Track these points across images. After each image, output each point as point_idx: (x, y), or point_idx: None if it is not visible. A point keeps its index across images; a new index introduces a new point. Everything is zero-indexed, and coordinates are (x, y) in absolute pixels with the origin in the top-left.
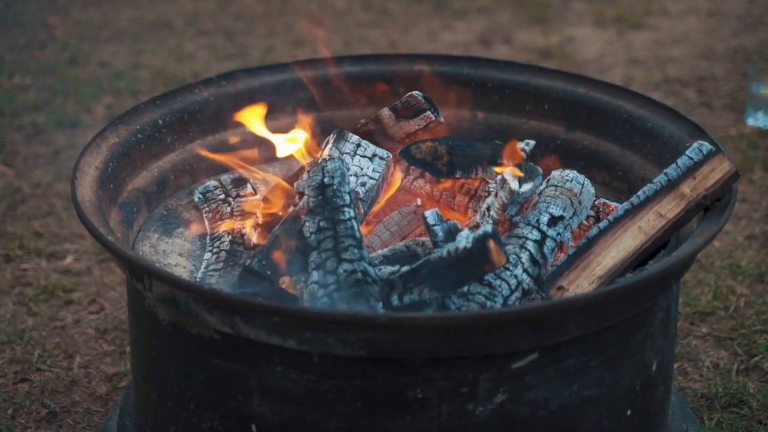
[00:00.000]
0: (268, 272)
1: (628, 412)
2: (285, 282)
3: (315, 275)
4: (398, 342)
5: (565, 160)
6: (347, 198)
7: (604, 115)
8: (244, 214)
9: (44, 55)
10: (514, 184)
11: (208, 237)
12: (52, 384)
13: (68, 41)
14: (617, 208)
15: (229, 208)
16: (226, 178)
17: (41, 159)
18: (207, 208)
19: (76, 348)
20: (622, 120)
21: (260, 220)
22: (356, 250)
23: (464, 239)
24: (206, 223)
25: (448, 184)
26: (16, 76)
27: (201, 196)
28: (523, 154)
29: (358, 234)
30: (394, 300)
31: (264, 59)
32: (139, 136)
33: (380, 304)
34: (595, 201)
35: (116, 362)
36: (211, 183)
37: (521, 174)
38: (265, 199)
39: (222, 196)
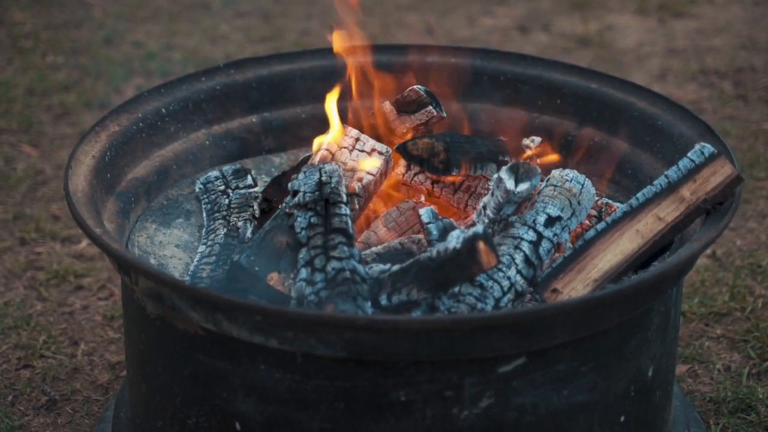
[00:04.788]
0: (257, 268)
1: (622, 419)
2: (273, 278)
3: (303, 272)
4: (380, 344)
5: (575, 156)
6: (344, 196)
7: (616, 111)
8: (242, 207)
9: (80, 34)
10: (509, 184)
11: (204, 229)
12: (54, 371)
13: (105, 20)
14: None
15: (227, 200)
16: (228, 168)
17: (67, 140)
18: (206, 199)
19: (81, 335)
20: (633, 117)
21: (257, 214)
22: (346, 248)
23: (454, 239)
24: (204, 215)
25: (448, 180)
26: (49, 55)
27: (202, 186)
28: (527, 151)
29: (350, 231)
30: (383, 300)
31: (298, 42)
32: (141, 124)
33: (369, 304)
34: (597, 201)
35: (120, 350)
36: (213, 173)
37: (518, 173)
38: (265, 192)
39: (222, 188)
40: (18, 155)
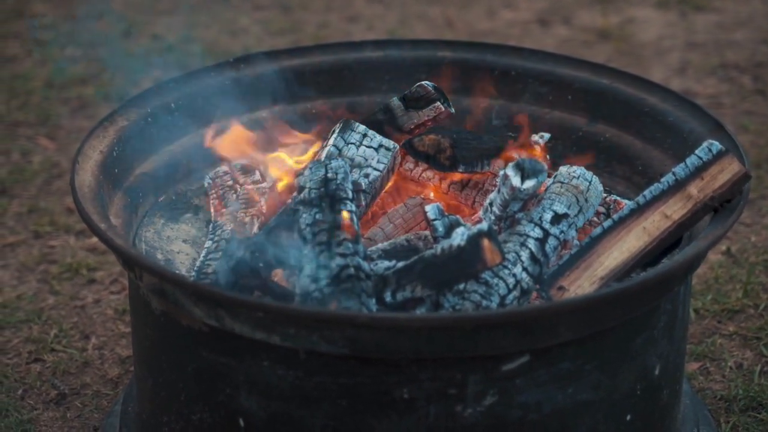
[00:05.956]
0: (261, 264)
1: (628, 417)
2: (277, 275)
3: (307, 269)
4: (381, 341)
5: (586, 152)
6: (350, 192)
7: (627, 107)
8: (249, 203)
9: (99, 26)
10: (515, 181)
11: (211, 224)
12: (64, 365)
13: (125, 13)
14: None
15: (234, 195)
16: (236, 163)
17: (84, 133)
18: (214, 195)
19: (92, 328)
20: (644, 113)
21: (264, 210)
22: (350, 245)
23: (459, 237)
24: (212, 210)
25: (455, 177)
26: (68, 47)
27: (210, 181)
28: (537, 147)
29: (355, 227)
30: (387, 296)
31: (317, 35)
32: (150, 119)
33: (373, 301)
34: (606, 198)
35: (131, 345)
36: (221, 168)
37: (524, 170)
38: (272, 188)
39: (230, 183)
40: (35, 148)
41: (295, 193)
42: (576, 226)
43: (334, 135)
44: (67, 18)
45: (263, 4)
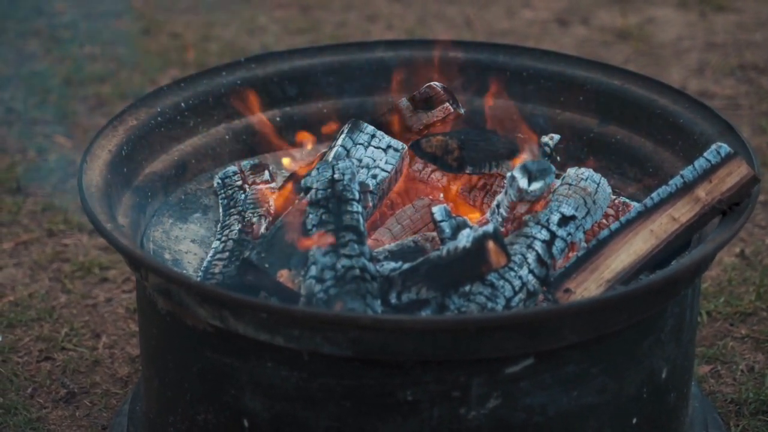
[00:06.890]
0: (267, 265)
1: (634, 420)
2: (283, 275)
3: (313, 270)
4: (385, 343)
5: (597, 154)
6: (356, 193)
7: (638, 109)
8: (257, 203)
9: (119, 24)
10: (522, 182)
11: (219, 224)
12: (74, 364)
13: (144, 11)
14: None
15: (243, 196)
16: (246, 163)
17: None
18: (223, 194)
19: (104, 327)
20: (655, 115)
21: (272, 210)
22: (356, 246)
23: (464, 238)
24: (221, 210)
25: (463, 178)
26: (87, 45)
27: (219, 181)
28: (546, 149)
29: (361, 228)
30: (393, 298)
31: (335, 34)
32: (160, 119)
33: (378, 302)
34: (614, 200)
35: None
36: (231, 168)
37: (531, 171)
38: (281, 188)
39: (239, 183)
40: (51, 146)
41: (302, 194)
42: (583, 228)
43: (343, 135)
44: (87, 16)
45: (283, 2)
